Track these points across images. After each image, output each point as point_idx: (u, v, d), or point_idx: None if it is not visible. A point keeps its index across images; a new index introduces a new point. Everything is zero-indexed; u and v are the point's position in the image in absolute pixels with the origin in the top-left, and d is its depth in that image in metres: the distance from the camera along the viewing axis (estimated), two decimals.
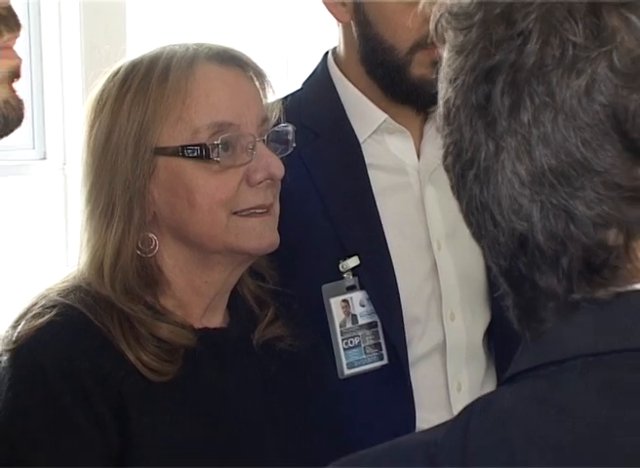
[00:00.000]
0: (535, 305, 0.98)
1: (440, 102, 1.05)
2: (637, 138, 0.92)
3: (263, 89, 1.85)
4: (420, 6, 2.10)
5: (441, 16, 1.03)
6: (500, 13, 0.95)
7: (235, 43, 1.92)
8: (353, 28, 2.16)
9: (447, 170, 1.04)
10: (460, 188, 1.02)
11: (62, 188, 5.21)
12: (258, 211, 1.80)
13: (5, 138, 1.08)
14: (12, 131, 1.06)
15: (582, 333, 0.95)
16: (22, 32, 3.83)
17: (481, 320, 2.23)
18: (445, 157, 1.03)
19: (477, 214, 1.00)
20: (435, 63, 2.11)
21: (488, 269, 2.21)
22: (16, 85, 1.08)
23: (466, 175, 0.99)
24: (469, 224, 1.03)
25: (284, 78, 2.28)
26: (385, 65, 2.14)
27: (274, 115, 1.86)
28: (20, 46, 3.54)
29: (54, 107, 5.58)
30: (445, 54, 1.03)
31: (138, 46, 1.87)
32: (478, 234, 1.02)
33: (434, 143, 2.14)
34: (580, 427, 0.92)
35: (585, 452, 0.91)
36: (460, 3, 1.02)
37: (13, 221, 5.41)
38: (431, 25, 1.06)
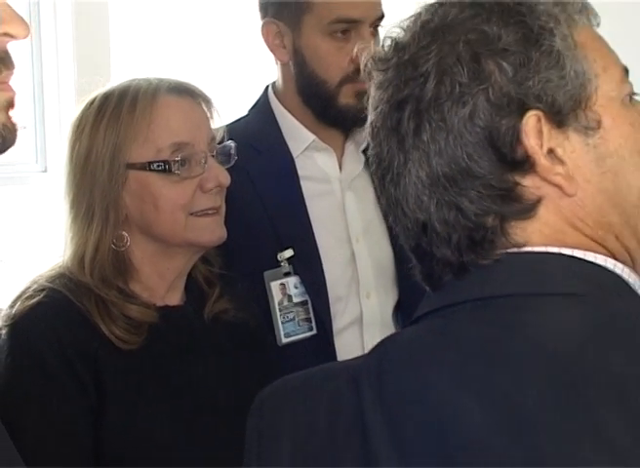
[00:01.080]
0: (434, 270, 1.09)
1: (367, 125, 1.14)
2: (506, 152, 1.04)
3: (210, 112, 1.91)
4: (354, 52, 2.25)
5: (368, 60, 1.13)
6: (409, 58, 1.07)
7: (198, 75, 2.02)
8: (291, 66, 2.25)
9: (373, 174, 1.15)
10: (381, 188, 1.12)
11: (61, 197, 5.35)
12: (209, 212, 1.87)
13: (10, 154, 1.11)
14: (8, 149, 1.06)
15: (471, 285, 1.06)
16: (26, 65, 3.89)
17: (390, 298, 2.32)
18: (371, 165, 1.14)
19: (393, 208, 1.11)
20: (358, 94, 2.28)
21: (395, 258, 2.32)
22: (20, 111, 1.08)
23: (385, 178, 1.10)
24: (388, 215, 1.14)
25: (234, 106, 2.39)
26: (319, 96, 2.24)
27: (220, 135, 1.92)
28: (24, 76, 3.69)
29: (53, 128, 5.68)
30: (371, 88, 1.13)
31: (120, 78, 1.98)
32: (394, 222, 1.13)
33: (353, 158, 2.30)
34: (469, 348, 1.03)
35: (476, 367, 1.01)
36: (381, 50, 1.12)
37: (17, 226, 5.53)
38: (361, 67, 1.15)
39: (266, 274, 2.21)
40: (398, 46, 1.11)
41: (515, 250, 1.06)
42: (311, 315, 2.24)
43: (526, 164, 1.04)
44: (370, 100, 1.14)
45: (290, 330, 2.22)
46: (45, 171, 5.65)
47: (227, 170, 1.92)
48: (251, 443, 1.13)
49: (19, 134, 1.08)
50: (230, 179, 1.91)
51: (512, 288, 1.05)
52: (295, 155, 2.28)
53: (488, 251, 1.06)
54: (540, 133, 1.04)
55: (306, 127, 2.29)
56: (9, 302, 1.85)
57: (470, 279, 1.07)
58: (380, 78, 1.11)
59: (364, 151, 2.32)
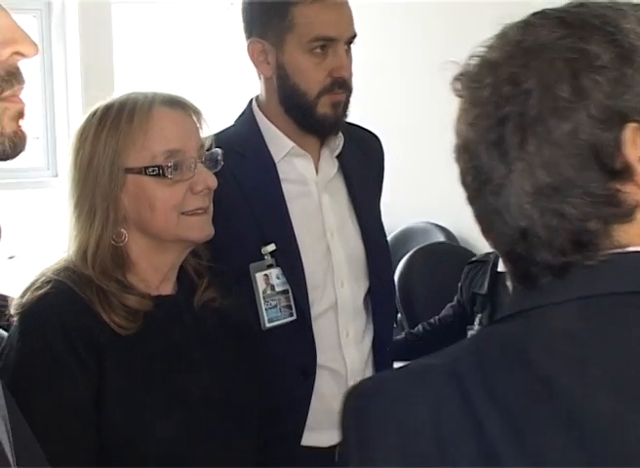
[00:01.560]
0: (530, 272, 1.05)
1: (458, 138, 1.10)
2: (608, 162, 1.00)
3: (200, 123, 1.91)
4: (325, 67, 2.16)
5: (457, 77, 1.11)
6: (507, 77, 1.03)
7: (193, 89, 1.98)
8: (274, 80, 2.26)
9: (465, 185, 1.09)
10: (476, 198, 1.07)
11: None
12: (198, 211, 1.88)
13: (24, 162, 1.14)
14: (18, 154, 1.06)
15: (577, 284, 1.03)
16: (38, 82, 3.92)
17: (362, 287, 2.34)
18: (464, 176, 1.09)
19: (489, 216, 1.06)
20: (334, 105, 2.31)
21: (365, 251, 2.34)
22: (30, 122, 1.08)
23: (484, 188, 1.05)
24: (480, 223, 1.09)
25: (222, 116, 2.40)
26: (299, 106, 2.24)
27: (208, 143, 1.93)
28: (36, 92, 3.70)
29: (62, 137, 5.68)
30: (460, 105, 1.10)
31: (122, 91, 1.98)
32: (487, 229, 1.09)
33: (328, 163, 2.31)
34: (587, 342, 0.99)
35: (599, 360, 0.97)
36: (471, 69, 1.09)
37: (31, 225, 5.52)
38: (452, 84, 1.13)
39: (251, 266, 2.22)
40: (490, 64, 1.07)
41: (619, 250, 1.03)
42: (292, 302, 2.24)
43: (626, 173, 1.02)
44: (460, 117, 1.11)
45: (273, 315, 2.23)
46: (56, 176, 5.69)
47: (215, 174, 1.93)
48: (349, 444, 1.05)
49: (28, 141, 1.08)
50: (217, 182, 1.91)
51: (622, 285, 1.02)
52: (276, 160, 2.29)
53: (593, 252, 1.03)
54: (635, 143, 1.02)
55: (286, 135, 2.30)
56: (20, 293, 1.86)
57: (574, 278, 1.04)
58: (475, 95, 1.07)
59: (337, 157, 2.34)
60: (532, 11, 1.10)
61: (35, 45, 1.04)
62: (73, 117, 5.55)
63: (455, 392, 1.00)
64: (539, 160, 1.02)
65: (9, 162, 1.09)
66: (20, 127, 1.06)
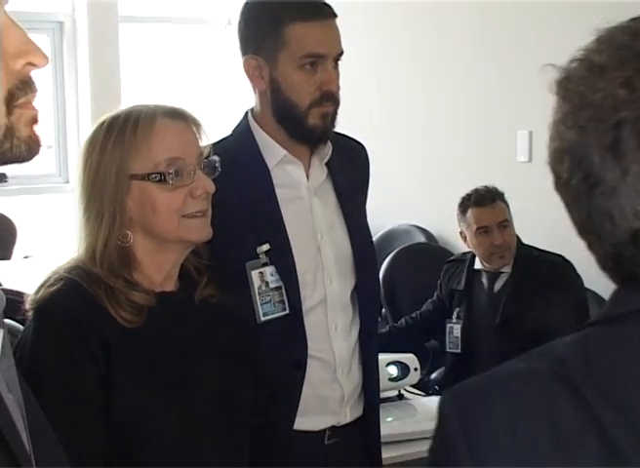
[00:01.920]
0: (637, 273, 0.97)
1: (559, 141, 1.02)
2: None
3: (199, 133, 1.92)
4: (315, 82, 2.19)
5: (561, 80, 1.03)
6: (622, 82, 0.95)
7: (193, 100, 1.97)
8: (268, 93, 2.25)
9: (566, 187, 1.02)
10: (580, 200, 0.99)
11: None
12: (198, 214, 1.88)
13: (37, 169, 1.18)
14: (33, 158, 1.07)
15: None
16: (51, 95, 3.89)
17: (349, 284, 2.33)
18: (568, 179, 1.00)
19: (596, 218, 0.98)
20: (323, 116, 2.32)
21: (353, 251, 2.33)
22: (43, 129, 1.07)
23: (593, 191, 0.97)
24: (582, 224, 1.01)
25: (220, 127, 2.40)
26: (291, 117, 2.24)
27: (206, 151, 1.93)
28: (48, 103, 3.70)
29: (73, 147, 5.68)
30: (563, 108, 1.02)
31: (128, 103, 1.98)
32: (590, 231, 1.00)
33: (317, 169, 2.31)
34: None
35: None
36: (576, 73, 1.01)
37: (44, 228, 5.52)
38: (555, 87, 1.04)
39: (248, 264, 2.22)
40: (601, 68, 0.99)
41: None
42: (285, 298, 2.24)
43: None
44: (566, 119, 1.02)
45: (267, 310, 2.22)
46: (67, 182, 5.69)
47: (213, 179, 1.93)
48: (458, 448, 0.95)
49: (42, 146, 1.08)
50: (215, 188, 1.92)
51: None
52: (270, 167, 2.29)
53: None
54: None
55: (279, 144, 2.29)
56: (34, 289, 1.86)
57: None
58: (584, 99, 0.99)
59: (326, 164, 2.34)
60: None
61: (46, 56, 1.04)
62: (83, 128, 5.56)
63: (569, 394, 0.93)
64: None
65: (24, 169, 1.12)
66: (34, 131, 1.06)
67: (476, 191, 3.87)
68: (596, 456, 0.90)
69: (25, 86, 1.03)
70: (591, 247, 1.02)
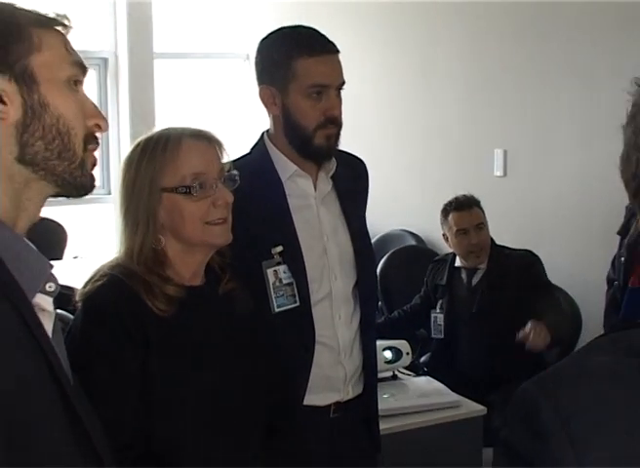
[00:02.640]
0: None
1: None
2: None
3: (221, 152, 1.91)
4: (320, 108, 2.23)
5: None
6: None
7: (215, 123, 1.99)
8: (280, 118, 2.25)
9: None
10: None
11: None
12: (219, 221, 1.88)
13: None
14: (87, 193, 1.23)
15: None
16: None
17: (351, 280, 2.32)
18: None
19: None
20: (327, 137, 2.31)
21: (354, 252, 2.32)
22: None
23: None
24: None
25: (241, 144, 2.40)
26: (300, 138, 2.23)
27: (227, 167, 1.93)
28: None
29: (115, 164, 5.71)
30: None
31: (161, 126, 1.99)
32: None
33: (323, 182, 2.31)
34: None
35: None
36: None
37: (90, 232, 5.54)
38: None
39: (264, 263, 2.21)
40: None
41: None
42: (295, 292, 2.23)
43: None
44: None
45: (280, 302, 2.22)
46: (109, 193, 5.70)
47: (233, 191, 1.93)
48: (559, 440, 0.82)
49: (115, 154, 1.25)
50: (235, 198, 1.92)
51: None
52: (283, 180, 2.28)
53: None
54: None
55: (291, 160, 2.29)
56: (82, 284, 1.87)
57: None
58: None
59: (331, 177, 2.34)
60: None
61: (108, 123, 1.23)
62: (123, 147, 5.58)
63: None
64: None
65: None
66: (92, 173, 1.21)
67: (456, 199, 3.90)
68: None
69: (93, 139, 1.19)
70: None
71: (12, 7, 1.16)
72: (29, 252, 1.12)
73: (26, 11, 1.16)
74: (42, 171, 1.14)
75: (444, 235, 3.93)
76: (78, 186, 1.19)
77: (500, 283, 3.75)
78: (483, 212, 3.86)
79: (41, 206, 1.18)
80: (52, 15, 1.18)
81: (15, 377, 1.02)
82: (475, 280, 3.86)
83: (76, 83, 1.18)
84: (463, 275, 3.89)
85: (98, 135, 1.22)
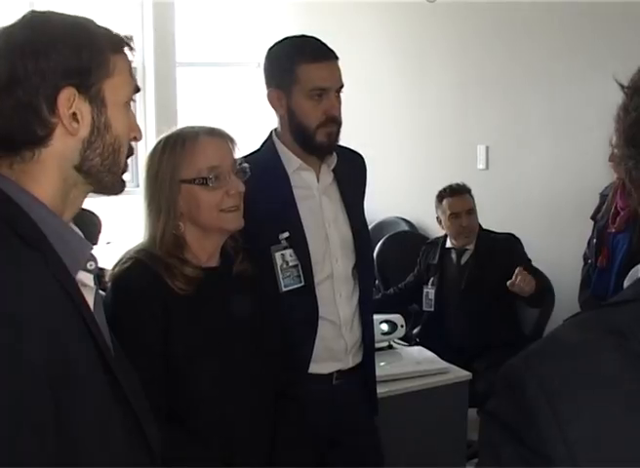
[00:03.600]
0: None
1: None
2: None
3: (233, 147, 1.89)
4: (321, 108, 2.21)
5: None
6: None
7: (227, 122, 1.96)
8: (286, 118, 2.22)
9: None
10: None
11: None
12: (232, 209, 1.86)
13: None
14: (119, 193, 1.25)
15: None
16: None
17: (350, 261, 2.29)
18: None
19: None
20: (328, 135, 2.28)
21: (353, 237, 2.28)
22: None
23: None
24: None
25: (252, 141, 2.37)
26: (303, 135, 2.20)
27: (239, 161, 1.90)
28: None
29: (142, 160, 5.69)
30: None
31: (184, 123, 1.99)
32: None
33: (326, 175, 2.27)
34: None
35: None
36: None
37: (120, 221, 5.52)
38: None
39: (272, 248, 2.19)
40: None
41: None
42: (300, 273, 2.20)
43: None
44: None
45: (287, 282, 2.19)
46: (137, 186, 5.63)
47: (245, 182, 1.91)
48: (544, 416, 0.77)
49: (142, 151, 1.26)
50: (247, 188, 1.90)
51: None
52: (289, 173, 2.25)
53: None
54: None
55: (296, 155, 2.25)
56: (112, 266, 1.86)
57: None
58: None
59: (333, 170, 2.31)
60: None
61: (142, 135, 1.23)
62: (149, 145, 5.56)
63: (633, 364, 0.78)
64: None
65: None
66: (123, 180, 1.23)
67: (450, 186, 3.90)
68: None
69: (131, 148, 1.22)
70: None
71: (94, 26, 1.16)
72: (73, 235, 1.14)
73: (104, 30, 1.16)
74: (91, 178, 1.17)
75: (437, 218, 3.92)
76: (114, 192, 1.22)
77: (486, 262, 3.74)
78: (473, 199, 3.86)
79: (83, 201, 1.21)
80: (121, 35, 1.19)
81: (61, 346, 1.04)
82: (464, 259, 3.85)
83: (129, 102, 1.20)
84: (453, 255, 3.89)
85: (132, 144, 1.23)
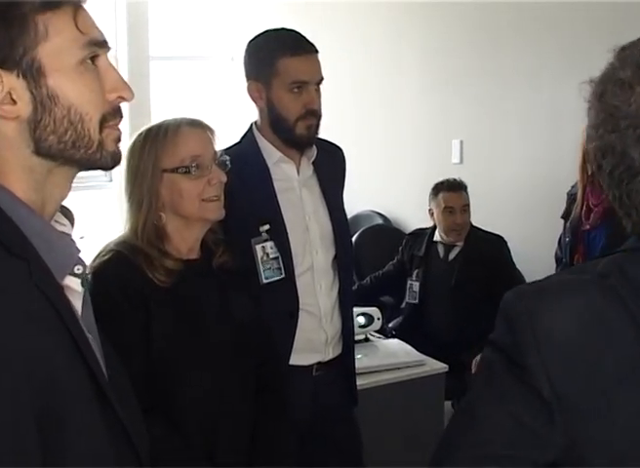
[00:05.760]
0: None
1: (598, 141, 0.96)
2: None
3: (213, 138, 1.89)
4: (301, 101, 2.21)
5: (598, 94, 0.96)
6: None
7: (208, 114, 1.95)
8: (265, 110, 2.22)
9: (609, 176, 0.95)
10: (622, 185, 0.94)
11: (120, 198, 5.29)
12: (213, 198, 1.85)
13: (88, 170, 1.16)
14: (114, 167, 1.09)
15: None
16: None
17: (330, 253, 2.30)
18: (612, 171, 0.95)
19: (635, 198, 0.94)
20: (307, 128, 2.28)
21: (333, 229, 2.29)
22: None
23: (634, 179, 0.93)
24: (623, 201, 0.95)
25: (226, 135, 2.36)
26: (283, 128, 2.20)
27: (219, 153, 1.89)
28: None
29: None
30: (601, 115, 0.95)
31: (159, 117, 1.98)
32: (627, 205, 0.95)
33: (305, 167, 2.27)
34: None
35: None
36: (608, 87, 0.95)
37: (93, 215, 5.48)
38: (592, 99, 0.96)
39: (252, 240, 2.18)
40: (629, 83, 0.93)
41: None
42: (281, 265, 2.20)
43: None
44: (598, 125, 0.95)
45: (268, 274, 2.19)
46: (111, 180, 5.63)
47: (225, 174, 1.90)
48: (525, 340, 0.93)
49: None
50: (227, 178, 1.89)
51: None
52: (269, 165, 2.24)
53: None
54: None
55: (276, 148, 2.25)
56: (91, 258, 1.83)
57: None
58: (619, 109, 0.94)
59: (313, 163, 2.31)
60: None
61: (132, 93, 1.06)
62: (123, 141, 5.51)
63: (612, 297, 0.92)
64: None
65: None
66: (118, 147, 1.07)
67: (447, 180, 3.86)
68: (631, 343, 0.90)
69: (115, 112, 1.05)
70: (628, 216, 0.97)
71: None
72: (58, 237, 1.03)
73: None
74: (61, 159, 1.02)
75: (430, 210, 3.88)
76: (99, 166, 1.06)
77: (474, 260, 3.74)
78: (468, 196, 3.84)
79: (68, 186, 1.06)
80: None
81: (44, 359, 0.94)
82: (452, 255, 3.83)
83: (94, 59, 1.02)
84: (440, 249, 3.87)
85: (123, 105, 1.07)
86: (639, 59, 0.94)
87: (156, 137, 1.84)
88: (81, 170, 1.06)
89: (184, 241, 1.89)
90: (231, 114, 5.93)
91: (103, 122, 1.03)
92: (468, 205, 3.82)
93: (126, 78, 1.10)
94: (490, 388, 0.96)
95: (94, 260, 1.82)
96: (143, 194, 1.83)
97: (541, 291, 0.97)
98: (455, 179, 3.85)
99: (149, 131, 1.86)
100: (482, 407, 0.95)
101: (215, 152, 1.89)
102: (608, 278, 0.93)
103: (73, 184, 1.09)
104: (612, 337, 0.91)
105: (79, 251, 1.06)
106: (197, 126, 1.88)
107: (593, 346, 0.91)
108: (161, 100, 5.93)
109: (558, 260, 3.30)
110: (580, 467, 0.91)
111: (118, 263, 1.79)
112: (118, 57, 5.71)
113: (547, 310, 0.94)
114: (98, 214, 5.32)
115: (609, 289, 0.92)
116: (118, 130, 1.06)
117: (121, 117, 1.06)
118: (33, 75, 0.97)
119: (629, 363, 0.90)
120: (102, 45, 1.04)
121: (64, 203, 1.10)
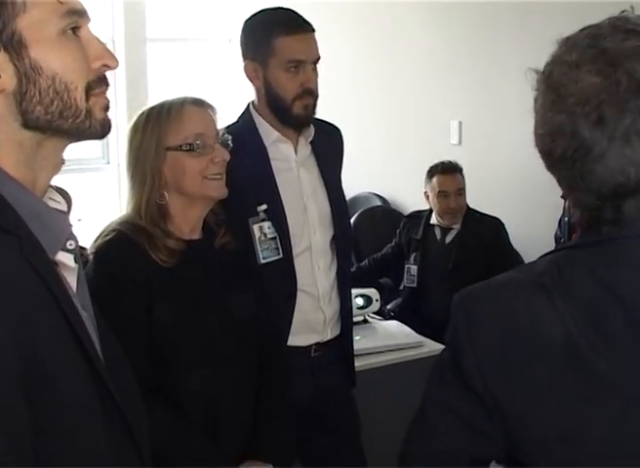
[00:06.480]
0: (609, 216, 0.95)
1: (549, 124, 0.99)
2: None
3: (215, 116, 1.89)
4: (298, 81, 2.20)
5: (545, 77, 1.01)
6: (596, 73, 0.94)
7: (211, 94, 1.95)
8: (262, 90, 2.21)
9: (560, 158, 0.97)
10: (573, 166, 0.95)
11: (117, 180, 5.29)
12: (216, 176, 1.86)
13: (85, 153, 1.12)
14: (105, 136, 1.07)
15: None
16: None
17: (328, 234, 2.29)
18: (563, 151, 0.96)
19: (589, 179, 0.94)
20: (304, 107, 2.26)
21: (331, 209, 2.28)
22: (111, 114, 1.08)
23: (585, 158, 0.93)
24: (571, 183, 0.97)
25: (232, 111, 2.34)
26: (280, 108, 2.19)
27: (222, 132, 1.90)
28: None
29: (112, 136, 5.62)
30: (549, 98, 0.99)
31: (156, 99, 1.96)
32: (580, 189, 0.96)
33: (303, 147, 2.26)
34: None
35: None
36: (553, 69, 0.99)
37: (90, 197, 5.47)
38: (537, 83, 1.01)
39: (250, 220, 2.18)
40: (576, 64, 0.96)
41: None
42: (279, 245, 2.19)
43: None
44: (550, 107, 0.99)
45: (265, 255, 2.18)
46: (108, 163, 5.61)
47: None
48: (461, 337, 1.02)
49: (112, 127, 1.07)
50: (229, 157, 1.89)
51: None
52: (266, 145, 2.23)
53: None
54: None
55: (273, 127, 2.24)
56: (93, 238, 1.84)
57: None
58: (567, 89, 0.96)
59: (310, 142, 2.30)
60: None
61: (117, 60, 1.05)
62: (120, 122, 5.47)
63: (543, 295, 0.96)
64: (634, 129, 0.92)
65: (77, 154, 1.06)
66: (106, 115, 1.06)
67: (442, 163, 3.84)
68: (559, 345, 0.95)
69: (101, 81, 1.04)
70: (579, 201, 0.99)
71: None
72: (49, 212, 1.03)
73: None
74: (49, 131, 1.01)
75: (425, 193, 3.86)
76: (90, 136, 1.05)
77: (471, 243, 3.72)
78: (464, 178, 3.82)
79: (60, 158, 1.06)
80: None
81: (33, 336, 0.92)
82: (449, 238, 3.82)
83: (75, 29, 1.02)
84: (437, 232, 3.86)
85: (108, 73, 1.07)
86: (583, 44, 0.96)
87: (159, 116, 1.83)
88: (71, 141, 1.05)
89: (187, 220, 1.88)
90: (229, 96, 5.90)
91: (89, 90, 1.02)
92: (463, 188, 3.79)
93: (123, 60, 1.09)
94: (438, 387, 1.06)
95: (96, 240, 1.81)
96: (146, 172, 1.83)
97: (482, 292, 1.04)
98: (450, 162, 3.82)
99: (152, 109, 1.86)
100: (432, 404, 1.06)
101: (217, 131, 1.89)
102: (544, 277, 0.98)
103: (71, 167, 1.09)
104: (541, 339, 0.95)
105: (71, 226, 1.05)
106: (200, 104, 1.88)
107: (524, 348, 0.96)
108: (158, 83, 5.90)
109: (557, 240, 3.29)
110: (524, 467, 0.98)
111: (121, 243, 1.79)
112: (115, 39, 5.68)
113: (483, 312, 1.01)
114: (95, 197, 5.30)
115: (543, 289, 0.96)
116: (106, 98, 1.06)
117: (107, 85, 1.06)
118: (15, 47, 0.97)
119: (557, 364, 0.94)
120: (82, 14, 1.03)
121: (62, 186, 1.10)
